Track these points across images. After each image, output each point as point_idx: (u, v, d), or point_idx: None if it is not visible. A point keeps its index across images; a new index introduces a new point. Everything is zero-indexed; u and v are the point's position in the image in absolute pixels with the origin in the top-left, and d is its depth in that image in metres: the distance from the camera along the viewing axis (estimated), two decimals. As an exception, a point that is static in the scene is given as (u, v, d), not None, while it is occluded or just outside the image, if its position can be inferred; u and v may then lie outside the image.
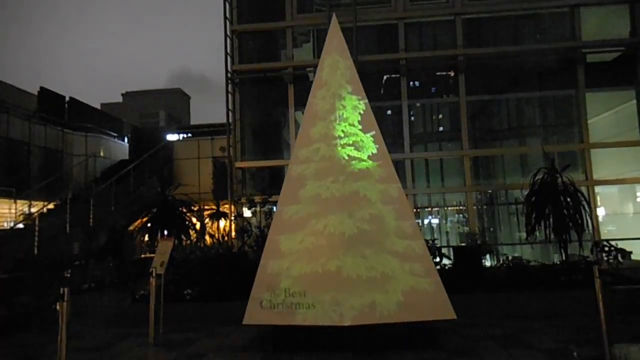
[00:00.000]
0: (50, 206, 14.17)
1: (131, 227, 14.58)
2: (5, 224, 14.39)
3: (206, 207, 13.07)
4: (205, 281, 7.70)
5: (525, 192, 8.34)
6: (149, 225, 9.63)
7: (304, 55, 12.64)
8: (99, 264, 11.84)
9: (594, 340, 4.97)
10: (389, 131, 11.95)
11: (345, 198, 5.63)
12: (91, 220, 12.98)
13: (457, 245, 10.61)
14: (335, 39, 6.44)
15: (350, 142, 5.92)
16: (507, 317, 6.63)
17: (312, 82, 6.45)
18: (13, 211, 14.72)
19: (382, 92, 12.11)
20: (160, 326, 6.25)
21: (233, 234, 10.90)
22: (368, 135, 5.97)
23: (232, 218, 11.28)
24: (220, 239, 10.80)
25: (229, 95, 11.96)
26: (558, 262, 7.97)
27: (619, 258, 7.57)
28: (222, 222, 11.95)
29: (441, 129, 13.52)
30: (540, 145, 10.88)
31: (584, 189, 9.49)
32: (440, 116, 13.37)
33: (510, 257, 8.66)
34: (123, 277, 11.31)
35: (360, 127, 6.01)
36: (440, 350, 5.24)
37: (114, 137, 21.70)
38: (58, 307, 4.07)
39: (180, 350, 5.68)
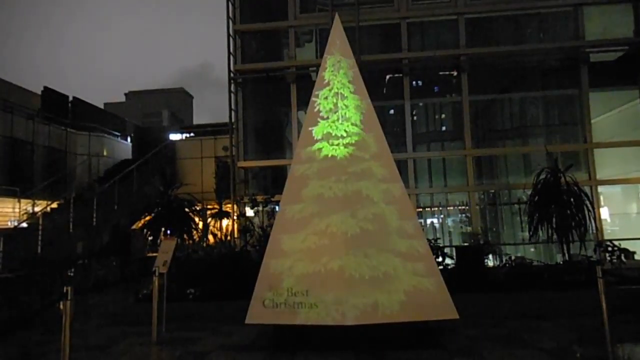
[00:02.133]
0: (54, 205, 14.22)
1: (133, 227, 14.66)
2: (9, 223, 14.47)
3: (209, 206, 13.09)
4: (208, 280, 7.72)
5: (528, 192, 8.33)
6: (152, 224, 9.66)
7: (307, 54, 12.65)
8: (102, 262, 11.88)
9: (597, 340, 4.96)
10: (392, 131, 11.95)
11: (347, 197, 5.64)
12: (94, 220, 13.02)
13: (460, 245, 10.59)
14: (337, 38, 6.44)
15: (353, 142, 5.92)
16: (510, 317, 6.62)
17: (314, 81, 6.45)
18: (17, 210, 14.80)
19: (384, 91, 12.11)
20: (163, 325, 6.28)
21: (236, 233, 10.92)
22: (370, 134, 5.97)
23: (235, 217, 11.30)
24: (223, 238, 10.82)
25: (232, 95, 11.99)
26: (561, 262, 7.95)
27: (622, 258, 7.54)
28: (225, 222, 11.97)
29: (444, 128, 13.51)
30: (543, 145, 10.86)
31: (587, 189, 9.47)
32: (443, 116, 13.35)
33: (513, 257, 8.64)
34: (130, 275, 11.35)
35: (362, 126, 6.01)
36: (443, 350, 5.24)
37: (117, 136, 21.76)
38: (61, 306, 4.09)
39: (183, 348, 5.69)
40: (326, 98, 6.15)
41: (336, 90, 6.15)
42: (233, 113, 12.01)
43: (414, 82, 11.89)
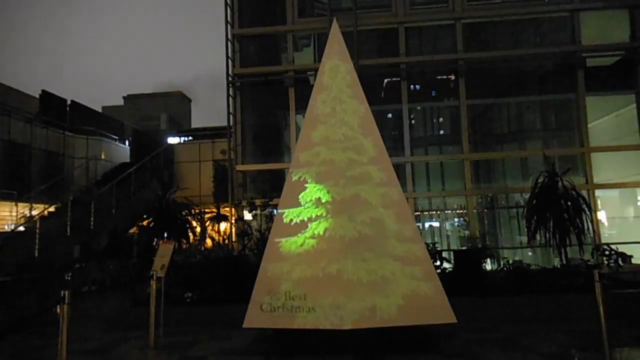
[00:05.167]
0: (52, 209, 14.18)
1: (131, 230, 14.62)
2: (7, 227, 14.42)
3: (207, 210, 13.08)
4: (206, 284, 7.71)
5: (526, 196, 8.36)
6: (149, 228, 9.65)
7: (305, 59, 12.70)
8: (100, 266, 11.84)
9: (595, 344, 4.96)
10: (390, 135, 11.98)
11: (345, 201, 5.65)
12: (92, 223, 12.98)
13: (458, 249, 10.60)
14: (335, 43, 6.47)
15: (351, 146, 5.93)
16: (508, 321, 6.62)
17: (312, 85, 6.48)
18: (14, 214, 14.76)
19: (382, 95, 12.14)
20: (160, 329, 6.26)
21: (234, 237, 10.90)
22: (368, 138, 5.99)
23: (233, 221, 11.29)
24: (221, 242, 10.80)
25: (230, 99, 12.01)
26: (559, 266, 7.96)
27: (620, 262, 7.55)
28: (223, 225, 11.96)
29: (441, 132, 13.55)
30: (541, 149, 10.89)
31: (584, 193, 9.49)
32: (441, 120, 13.40)
33: (510, 261, 8.65)
34: (128, 279, 11.30)
35: (360, 130, 6.02)
36: (441, 354, 5.23)
37: (115, 140, 21.75)
38: (59, 310, 4.08)
39: (180, 353, 5.68)
40: (324, 102, 6.17)
41: (334, 95, 6.16)
42: (231, 117, 12.03)
43: (411, 87, 11.92)
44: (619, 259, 7.57)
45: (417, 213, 11.77)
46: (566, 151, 11.50)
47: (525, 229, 8.06)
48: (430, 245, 8.09)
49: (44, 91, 19.21)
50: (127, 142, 23.00)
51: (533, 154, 11.63)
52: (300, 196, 5.78)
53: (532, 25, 12.16)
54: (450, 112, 12.54)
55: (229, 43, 12.08)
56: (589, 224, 7.81)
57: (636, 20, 11.18)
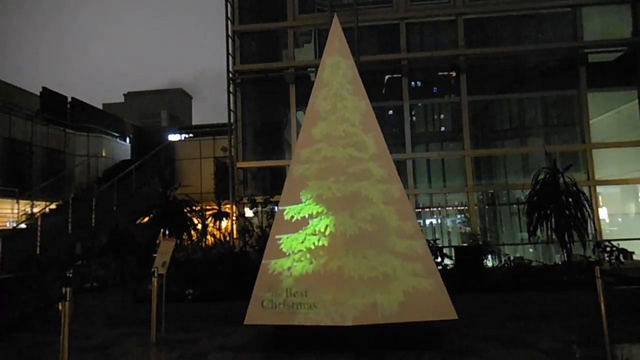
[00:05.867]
0: (53, 206, 14.21)
1: (132, 227, 14.63)
2: (8, 224, 14.46)
3: (208, 207, 13.08)
4: (207, 281, 7.72)
5: (527, 192, 8.34)
6: (150, 225, 9.66)
7: (306, 55, 12.66)
8: (101, 263, 11.87)
9: (596, 340, 4.96)
10: (391, 131, 11.96)
11: (346, 198, 5.64)
12: (93, 221, 13.01)
13: (459, 246, 10.60)
14: (336, 39, 6.43)
15: (352, 143, 5.91)
16: (509, 318, 6.62)
17: (313, 82, 6.45)
18: (15, 211, 14.79)
19: (383, 92, 12.12)
20: (162, 326, 6.27)
21: (235, 234, 10.92)
22: (369, 135, 5.96)
23: (234, 218, 11.30)
24: (222, 239, 10.81)
25: (231, 96, 11.99)
26: (560, 263, 7.96)
27: (621, 258, 7.55)
28: (224, 222, 11.96)
29: (442, 129, 13.52)
30: (542, 145, 10.87)
31: (585, 189, 9.47)
32: (442, 116, 13.37)
33: (512, 258, 8.64)
34: (129, 276, 11.34)
35: (361, 127, 5.99)
36: (442, 351, 5.24)
37: (116, 137, 21.77)
38: (60, 307, 4.09)
39: (182, 349, 5.69)
40: (325, 99, 6.14)
41: (335, 91, 6.14)
42: (232, 114, 12.02)
43: (412, 83, 11.90)
44: (620, 255, 7.57)
45: (418, 210, 11.77)
46: (568, 147, 11.47)
47: (526, 226, 8.05)
48: (431, 241, 8.09)
49: (44, 88, 19.21)
50: (127, 140, 23.01)
51: (534, 151, 11.60)
52: (301, 193, 5.77)
53: (534, 21, 12.10)
54: (452, 109, 12.51)
55: (230, 39, 12.05)
56: (590, 220, 7.80)
57: (639, 16, 11.12)
